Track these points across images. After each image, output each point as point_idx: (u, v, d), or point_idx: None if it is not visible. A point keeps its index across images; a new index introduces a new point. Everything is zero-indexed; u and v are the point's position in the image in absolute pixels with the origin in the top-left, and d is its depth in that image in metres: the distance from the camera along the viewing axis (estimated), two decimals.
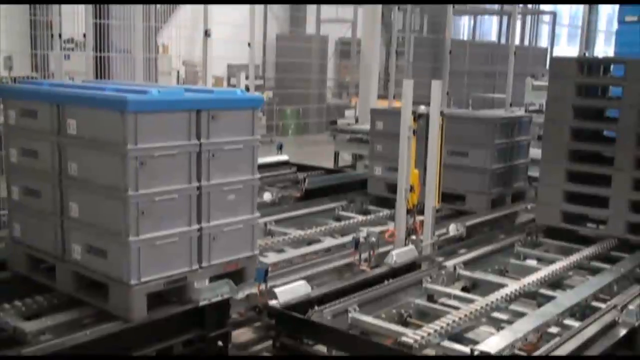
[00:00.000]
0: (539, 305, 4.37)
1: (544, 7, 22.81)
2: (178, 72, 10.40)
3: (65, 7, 5.89)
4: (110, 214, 3.74)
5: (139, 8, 5.37)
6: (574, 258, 5.12)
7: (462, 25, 23.13)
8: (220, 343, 3.85)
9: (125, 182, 3.63)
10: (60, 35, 6.26)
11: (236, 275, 4.19)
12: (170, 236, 3.81)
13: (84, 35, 5.87)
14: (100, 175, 3.80)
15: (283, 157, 8.36)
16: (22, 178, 4.34)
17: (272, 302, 3.92)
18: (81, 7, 5.59)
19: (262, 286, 4.04)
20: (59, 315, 3.83)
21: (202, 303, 3.75)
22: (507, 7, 19.39)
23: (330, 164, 9.84)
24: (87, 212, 3.91)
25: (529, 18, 23.74)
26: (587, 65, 5.93)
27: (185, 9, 13.65)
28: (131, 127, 3.61)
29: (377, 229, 5.71)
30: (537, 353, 3.49)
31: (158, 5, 5.83)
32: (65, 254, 4.02)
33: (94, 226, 3.86)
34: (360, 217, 6.37)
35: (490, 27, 24.09)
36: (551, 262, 5.12)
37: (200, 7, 9.25)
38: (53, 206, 4.09)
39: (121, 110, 3.61)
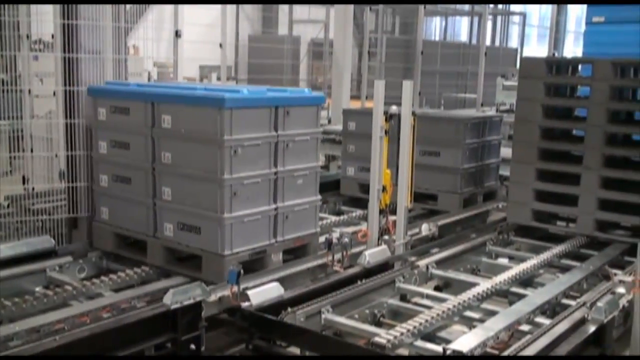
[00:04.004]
0: (511, 303, 4.42)
1: (514, 8, 23.03)
2: (149, 73, 10.29)
3: (33, 8, 5.80)
4: (206, 196, 4.45)
5: (108, 8, 5.29)
6: (545, 256, 5.18)
7: (434, 26, 23.25)
8: (192, 346, 3.81)
9: (221, 168, 4.35)
10: (28, 36, 6.15)
11: (301, 250, 4.98)
12: (254, 214, 4.57)
13: (52, 36, 5.78)
14: (196, 163, 4.50)
15: None
16: (112, 167, 5.02)
17: (245, 304, 3.90)
18: (49, 8, 5.50)
19: (235, 288, 4.02)
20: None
21: (173, 306, 3.71)
22: (477, 8, 19.55)
23: None
24: (180, 195, 4.62)
25: (499, 19, 23.94)
26: (556, 65, 6.00)
27: (157, 10, 13.54)
28: (227, 121, 4.32)
29: (350, 229, 5.72)
30: (508, 351, 3.52)
31: (128, 6, 5.74)
32: (157, 231, 4.74)
33: (187, 207, 4.56)
34: (334, 218, 6.37)
35: (461, 27, 24.26)
36: (522, 260, 5.17)
37: (171, 8, 9.19)
38: (145, 191, 4.79)
39: (219, 106, 4.31)
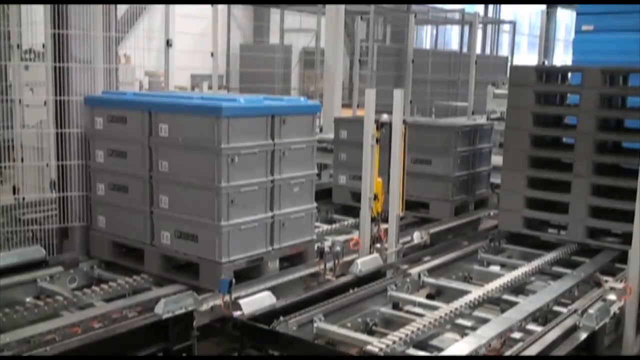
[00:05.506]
0: (502, 310, 4.42)
1: (504, 16, 23.17)
2: (140, 83, 10.28)
3: (24, 18, 5.79)
4: (203, 204, 4.48)
5: (99, 18, 5.28)
6: (536, 263, 5.19)
7: (425, 35, 23.36)
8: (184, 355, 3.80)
9: (219, 176, 4.38)
10: (19, 46, 6.13)
11: (297, 257, 5.00)
12: (251, 222, 4.61)
13: (43, 46, 5.77)
14: (193, 171, 4.54)
15: None
16: (109, 176, 5.04)
17: (237, 314, 3.89)
18: (40, 17, 5.50)
19: (227, 297, 4.01)
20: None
21: (165, 316, 3.70)
22: (468, 16, 19.65)
23: None
24: (177, 203, 4.64)
25: (489, 27, 24.08)
26: (546, 73, 6.04)
27: (147, 19, 13.55)
28: (224, 129, 4.36)
29: (342, 237, 5.72)
30: None
31: (119, 15, 5.74)
32: (155, 240, 4.76)
33: (184, 215, 4.59)
34: (326, 226, 6.37)
35: (451, 36, 24.38)
36: (514, 268, 5.18)
37: (162, 17, 9.19)
38: (142, 199, 4.82)
39: (216, 115, 4.35)
